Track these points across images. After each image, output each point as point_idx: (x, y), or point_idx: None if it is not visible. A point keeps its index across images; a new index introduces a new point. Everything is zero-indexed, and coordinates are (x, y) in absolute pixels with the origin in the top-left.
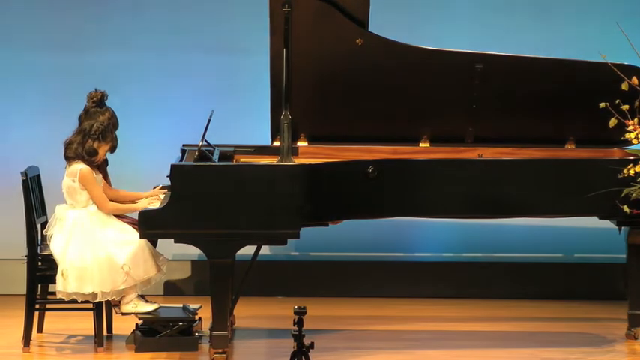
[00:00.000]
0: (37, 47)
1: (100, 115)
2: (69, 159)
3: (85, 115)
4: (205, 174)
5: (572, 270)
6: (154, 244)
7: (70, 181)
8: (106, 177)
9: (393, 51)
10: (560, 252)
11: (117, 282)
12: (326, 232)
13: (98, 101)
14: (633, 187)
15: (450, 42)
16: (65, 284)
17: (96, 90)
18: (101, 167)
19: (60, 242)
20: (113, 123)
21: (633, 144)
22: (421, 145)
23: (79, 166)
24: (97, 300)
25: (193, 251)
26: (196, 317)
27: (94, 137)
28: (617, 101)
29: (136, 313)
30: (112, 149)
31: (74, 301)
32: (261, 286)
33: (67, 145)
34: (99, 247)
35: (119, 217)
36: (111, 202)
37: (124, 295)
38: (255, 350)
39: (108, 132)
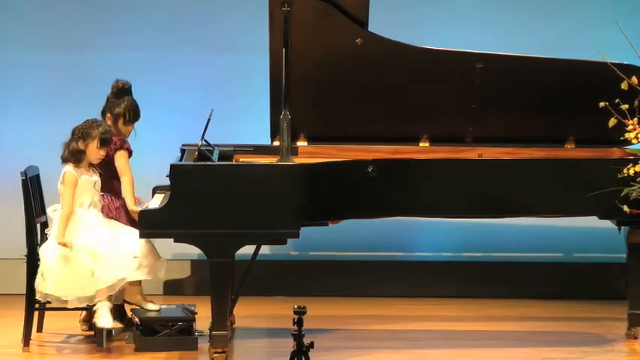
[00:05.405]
0: (37, 46)
1: (116, 107)
2: (62, 162)
3: (106, 105)
4: (205, 174)
5: (572, 270)
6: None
7: (59, 184)
8: (110, 174)
9: (393, 51)
10: (560, 252)
11: (86, 287)
12: (326, 232)
13: (116, 91)
14: (633, 186)
15: (450, 41)
16: (44, 285)
17: (117, 80)
18: (108, 166)
19: (46, 244)
20: (128, 113)
21: (633, 143)
22: (421, 144)
23: (64, 169)
24: (70, 306)
25: (193, 251)
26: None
27: (76, 137)
28: (617, 101)
29: (107, 329)
30: (102, 142)
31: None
32: (261, 286)
33: (62, 149)
34: (71, 252)
35: (118, 217)
36: (65, 212)
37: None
38: (255, 350)
39: (92, 128)
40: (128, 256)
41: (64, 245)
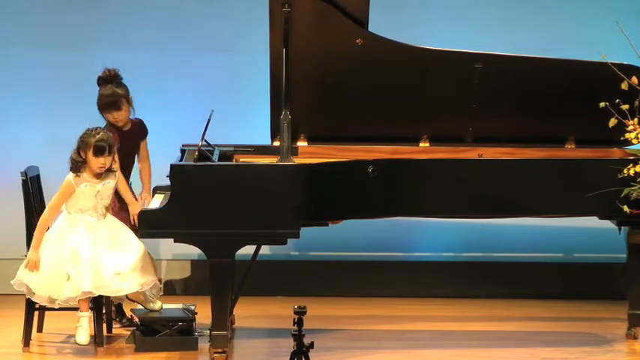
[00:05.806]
0: (37, 46)
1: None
2: None
3: None
4: (205, 174)
5: (572, 270)
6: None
7: None
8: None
9: (393, 51)
10: (560, 252)
11: (58, 289)
12: (326, 232)
13: (99, 80)
14: (633, 186)
15: (449, 41)
16: (25, 274)
17: (103, 69)
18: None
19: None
20: (98, 104)
21: (633, 144)
22: (421, 144)
23: (67, 175)
24: (36, 300)
25: (193, 251)
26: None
27: (77, 147)
28: (617, 101)
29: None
30: (95, 150)
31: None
32: (261, 286)
33: None
34: (55, 251)
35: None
36: (43, 218)
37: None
38: (255, 350)
39: (89, 137)
40: (107, 270)
41: (31, 260)
